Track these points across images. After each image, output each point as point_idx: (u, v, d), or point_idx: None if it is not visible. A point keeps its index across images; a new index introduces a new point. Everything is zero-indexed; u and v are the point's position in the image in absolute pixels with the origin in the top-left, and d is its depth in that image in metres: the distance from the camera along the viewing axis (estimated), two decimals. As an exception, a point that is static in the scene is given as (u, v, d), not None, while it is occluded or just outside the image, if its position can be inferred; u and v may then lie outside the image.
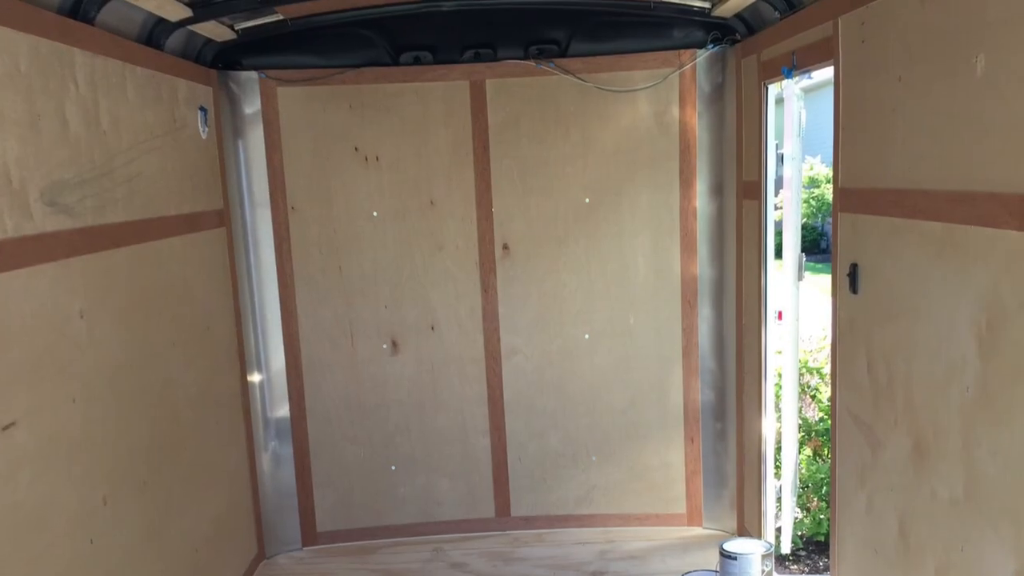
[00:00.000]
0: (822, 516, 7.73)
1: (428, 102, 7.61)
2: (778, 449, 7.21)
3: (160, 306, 5.83)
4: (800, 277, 6.53)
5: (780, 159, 6.64)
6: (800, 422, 7.88)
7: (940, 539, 4.26)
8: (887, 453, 4.82)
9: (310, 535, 8.08)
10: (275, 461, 7.96)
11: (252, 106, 7.47)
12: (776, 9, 6.23)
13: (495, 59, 7.55)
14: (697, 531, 8.08)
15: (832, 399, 5.66)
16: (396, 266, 7.82)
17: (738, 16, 6.95)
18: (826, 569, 7.22)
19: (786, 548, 7.21)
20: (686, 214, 7.66)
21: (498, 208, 7.75)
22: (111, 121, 5.17)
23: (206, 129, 6.78)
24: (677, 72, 7.46)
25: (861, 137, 4.96)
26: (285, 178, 7.59)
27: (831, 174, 5.59)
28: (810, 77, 6.18)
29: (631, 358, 7.95)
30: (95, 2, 5.02)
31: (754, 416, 7.16)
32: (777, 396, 7.17)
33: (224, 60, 7.31)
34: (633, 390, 7.99)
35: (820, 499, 7.93)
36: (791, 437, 6.88)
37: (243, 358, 7.43)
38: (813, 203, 28.56)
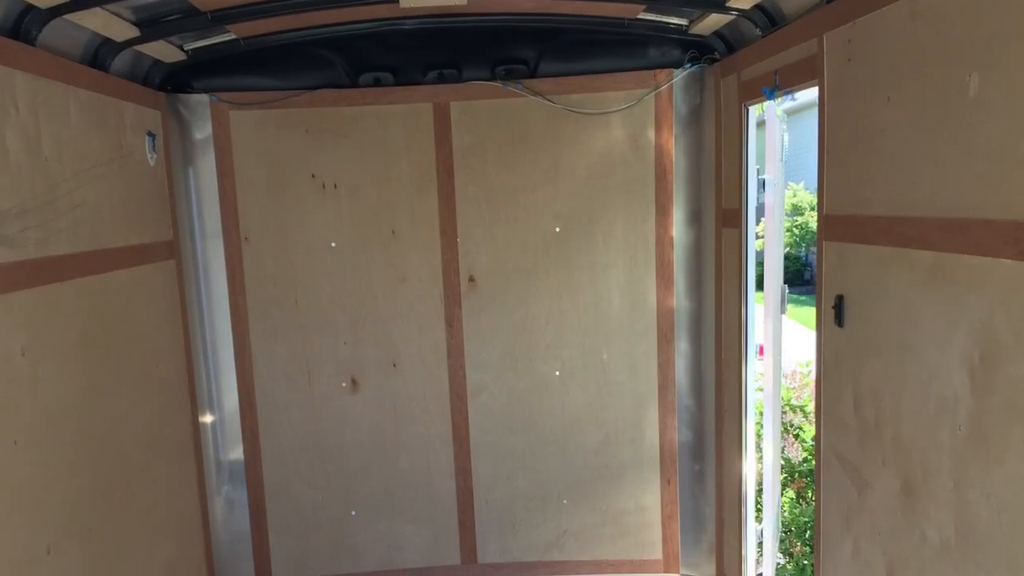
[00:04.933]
0: (806, 562, 7.75)
1: (389, 126, 7.60)
2: (759, 491, 7.20)
3: (106, 343, 5.79)
4: (783, 310, 6.55)
5: (761, 185, 6.66)
6: (783, 462, 7.89)
7: (932, 585, 4.27)
8: (874, 495, 4.82)
9: (265, 585, 8.03)
10: (228, 506, 7.91)
11: (203, 131, 7.45)
12: (757, 26, 6.26)
13: (460, 80, 7.56)
14: (675, 578, 8.08)
15: (816, 438, 5.66)
16: (356, 299, 7.80)
17: (717, 34, 7.00)
18: (812, 617, 7.23)
19: (769, 595, 7.22)
20: (662, 243, 7.68)
21: (463, 238, 7.75)
22: (54, 147, 5.15)
23: (154, 155, 6.75)
24: (653, 93, 7.49)
25: (847, 161, 4.98)
26: (238, 207, 7.57)
27: (815, 201, 5.63)
28: (793, 98, 6.19)
29: (604, 395, 7.94)
30: (37, 21, 5.00)
31: (734, 456, 7.16)
32: (758, 435, 7.18)
33: (173, 82, 7.30)
34: (607, 429, 7.98)
35: (804, 544, 7.95)
36: (773, 478, 6.89)
37: (194, 397, 7.38)
38: (796, 231, 28.79)
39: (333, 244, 7.71)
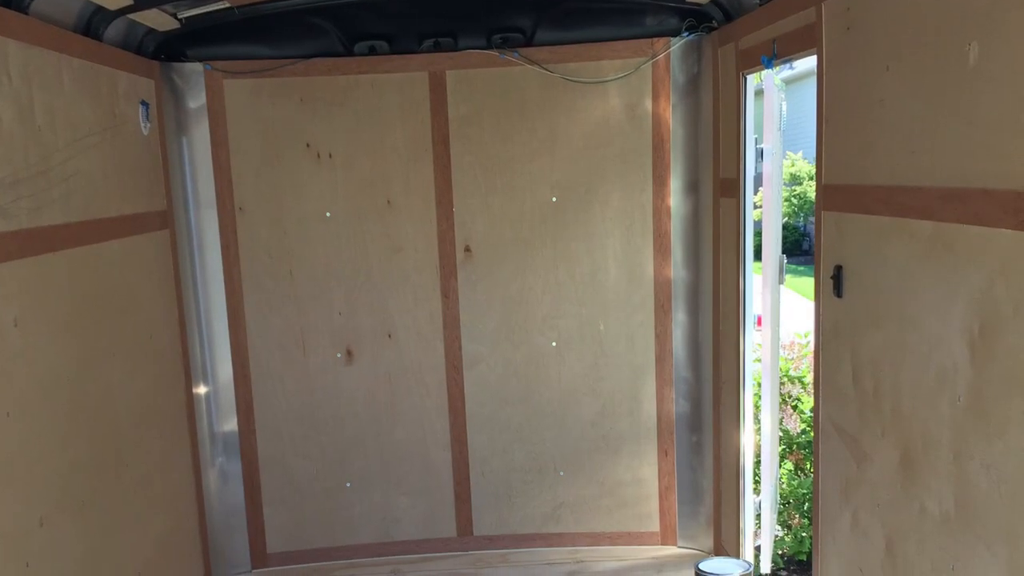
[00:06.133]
0: (804, 534, 7.77)
1: (385, 95, 7.58)
2: (757, 463, 7.22)
3: (100, 314, 5.79)
4: (781, 280, 6.55)
5: (760, 154, 6.65)
6: (781, 434, 7.90)
7: (929, 558, 4.28)
8: (873, 467, 4.84)
9: (260, 557, 8.04)
10: (222, 478, 7.92)
11: (197, 100, 7.43)
12: (755, -6, 6.25)
13: (456, 49, 7.53)
14: (671, 550, 8.09)
15: (815, 409, 5.68)
16: (351, 270, 7.79)
17: (715, 2, 6.96)
18: (809, 589, 7.26)
19: (766, 568, 7.21)
20: (660, 213, 7.67)
21: (459, 208, 7.74)
22: (47, 116, 5.13)
23: (148, 125, 6.74)
24: (650, 62, 7.47)
25: (846, 131, 4.98)
26: (232, 177, 7.55)
27: (814, 170, 5.62)
28: (792, 67, 6.19)
29: (601, 367, 7.95)
30: (29, -12, 4.99)
31: (732, 428, 7.18)
32: (756, 406, 7.19)
33: (167, 51, 7.26)
34: (603, 401, 7.99)
35: (802, 516, 7.97)
36: (771, 450, 6.90)
37: (188, 369, 7.38)
38: (795, 201, 28.72)
39: (328, 214, 7.70)
